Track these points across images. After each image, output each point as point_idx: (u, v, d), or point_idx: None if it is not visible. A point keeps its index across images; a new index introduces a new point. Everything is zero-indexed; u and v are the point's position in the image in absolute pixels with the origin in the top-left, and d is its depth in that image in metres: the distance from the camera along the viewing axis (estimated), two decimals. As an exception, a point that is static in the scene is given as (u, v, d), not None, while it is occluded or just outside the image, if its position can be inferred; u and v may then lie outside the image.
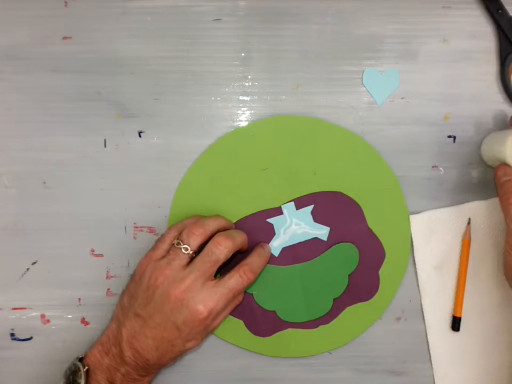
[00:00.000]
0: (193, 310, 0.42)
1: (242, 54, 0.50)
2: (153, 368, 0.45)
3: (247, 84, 0.50)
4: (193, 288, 0.43)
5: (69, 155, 0.50)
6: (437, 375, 0.50)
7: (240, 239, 0.45)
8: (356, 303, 0.50)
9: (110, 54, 0.49)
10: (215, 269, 0.44)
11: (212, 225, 0.45)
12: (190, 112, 0.50)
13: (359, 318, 0.50)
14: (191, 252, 0.44)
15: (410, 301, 0.50)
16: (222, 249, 0.43)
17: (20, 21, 0.49)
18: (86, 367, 0.43)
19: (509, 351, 0.50)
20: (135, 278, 0.45)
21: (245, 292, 0.49)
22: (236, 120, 0.50)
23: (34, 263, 0.50)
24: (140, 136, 0.50)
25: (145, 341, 0.43)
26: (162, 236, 0.46)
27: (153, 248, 0.46)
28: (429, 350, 0.50)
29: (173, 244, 0.45)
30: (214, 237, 0.44)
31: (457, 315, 0.49)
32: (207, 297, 0.43)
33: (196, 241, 0.44)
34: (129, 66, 0.50)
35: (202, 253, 0.44)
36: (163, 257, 0.44)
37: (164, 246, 0.45)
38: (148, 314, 0.43)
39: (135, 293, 0.44)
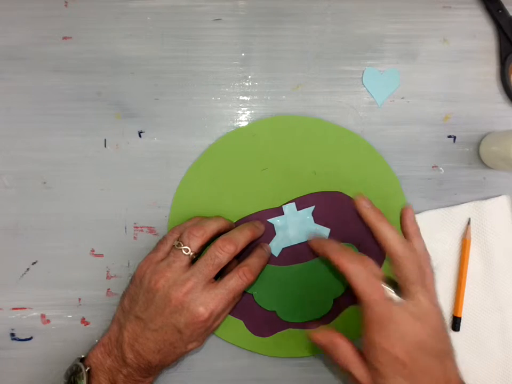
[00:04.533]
0: (194, 312, 0.42)
1: (242, 54, 0.50)
2: (155, 369, 0.45)
3: (247, 84, 0.50)
4: (194, 291, 0.42)
5: (69, 155, 0.50)
6: (437, 375, 0.50)
7: (244, 240, 0.45)
8: (356, 303, 0.49)
9: (110, 54, 0.49)
10: (216, 272, 0.44)
11: (213, 226, 0.45)
12: (190, 112, 0.50)
13: (359, 318, 0.50)
14: (191, 254, 0.44)
15: (410, 300, 0.50)
16: (224, 253, 0.43)
17: (20, 21, 0.49)
18: (88, 368, 0.43)
19: (509, 351, 0.50)
20: (135, 281, 0.45)
21: (245, 292, 0.49)
22: (236, 120, 0.50)
23: (34, 263, 0.50)
24: (140, 136, 0.50)
25: (146, 344, 0.43)
26: (164, 237, 0.46)
27: (154, 250, 0.46)
28: (429, 350, 0.50)
29: (174, 246, 0.44)
30: (217, 240, 0.44)
31: (457, 315, 0.49)
32: (208, 299, 0.43)
33: (196, 243, 0.44)
34: (129, 66, 0.50)
35: (205, 256, 0.44)
36: (163, 259, 0.44)
37: (165, 248, 0.45)
38: (148, 318, 0.43)
39: (135, 296, 0.44)
